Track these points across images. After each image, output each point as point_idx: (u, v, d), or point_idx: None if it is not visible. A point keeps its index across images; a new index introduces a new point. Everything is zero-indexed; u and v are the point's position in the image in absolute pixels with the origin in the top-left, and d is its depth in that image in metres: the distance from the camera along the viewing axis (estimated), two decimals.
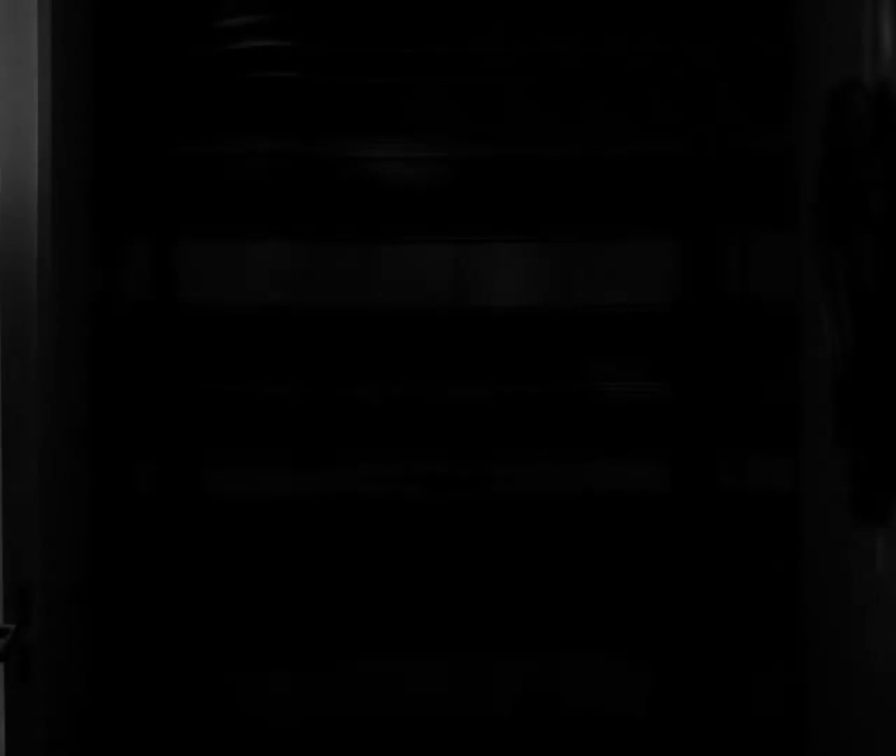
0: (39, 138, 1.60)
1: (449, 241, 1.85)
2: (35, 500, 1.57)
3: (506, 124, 1.84)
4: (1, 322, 1.58)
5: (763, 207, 1.79)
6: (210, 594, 1.83)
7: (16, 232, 1.58)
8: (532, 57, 1.83)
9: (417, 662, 1.85)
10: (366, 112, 1.84)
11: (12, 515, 1.55)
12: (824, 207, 1.54)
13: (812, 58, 1.72)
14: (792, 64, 1.79)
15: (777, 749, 1.79)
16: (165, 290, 1.82)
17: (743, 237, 1.81)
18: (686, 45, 1.81)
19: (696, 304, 1.83)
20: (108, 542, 1.80)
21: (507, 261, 1.86)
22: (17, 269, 1.58)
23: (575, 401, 1.85)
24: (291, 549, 1.82)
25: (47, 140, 1.62)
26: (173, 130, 1.82)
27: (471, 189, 1.84)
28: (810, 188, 1.58)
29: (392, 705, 1.85)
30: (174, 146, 1.82)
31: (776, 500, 1.78)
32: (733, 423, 1.81)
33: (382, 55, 1.83)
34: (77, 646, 1.77)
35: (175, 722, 1.82)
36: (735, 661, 1.81)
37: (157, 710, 1.81)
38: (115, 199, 1.81)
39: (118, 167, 1.80)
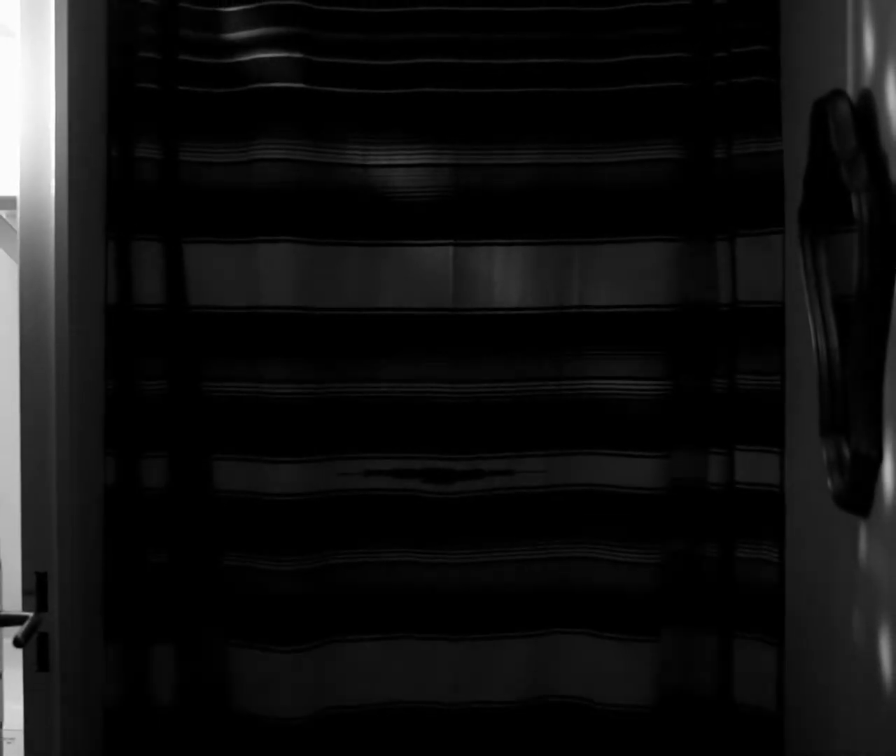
0: (56, 149, 1.61)
1: (450, 243, 1.85)
2: (51, 494, 1.58)
3: (505, 131, 1.84)
4: (21, 323, 1.59)
5: (753, 211, 1.79)
6: (217, 582, 1.84)
7: (34, 239, 1.59)
8: (528, 67, 1.83)
9: (416, 650, 1.85)
10: (372, 120, 1.84)
11: (30, 509, 1.56)
12: (810, 212, 1.54)
13: (799, 69, 1.72)
14: (780, 74, 1.79)
15: (765, 730, 1.79)
16: (175, 292, 1.83)
17: (733, 239, 1.81)
18: (680, 56, 1.81)
19: (689, 305, 1.83)
20: (120, 535, 1.80)
21: (506, 263, 1.85)
22: (36, 273, 1.59)
23: (571, 398, 1.85)
24: (294, 539, 1.82)
25: (63, 151, 1.63)
26: (184, 138, 1.82)
27: (471, 193, 1.84)
28: (797, 193, 1.58)
29: (391, 691, 1.85)
30: (185, 153, 1.82)
31: (764, 492, 1.78)
32: (724, 418, 1.81)
33: (385, 66, 1.83)
34: (91, 632, 1.78)
35: (184, 704, 1.83)
36: (724, 647, 1.82)
37: (168, 693, 1.81)
38: (127, 206, 1.81)
39: (130, 174, 1.80)
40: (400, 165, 1.84)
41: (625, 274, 1.83)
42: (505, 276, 1.85)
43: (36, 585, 1.51)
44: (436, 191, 1.84)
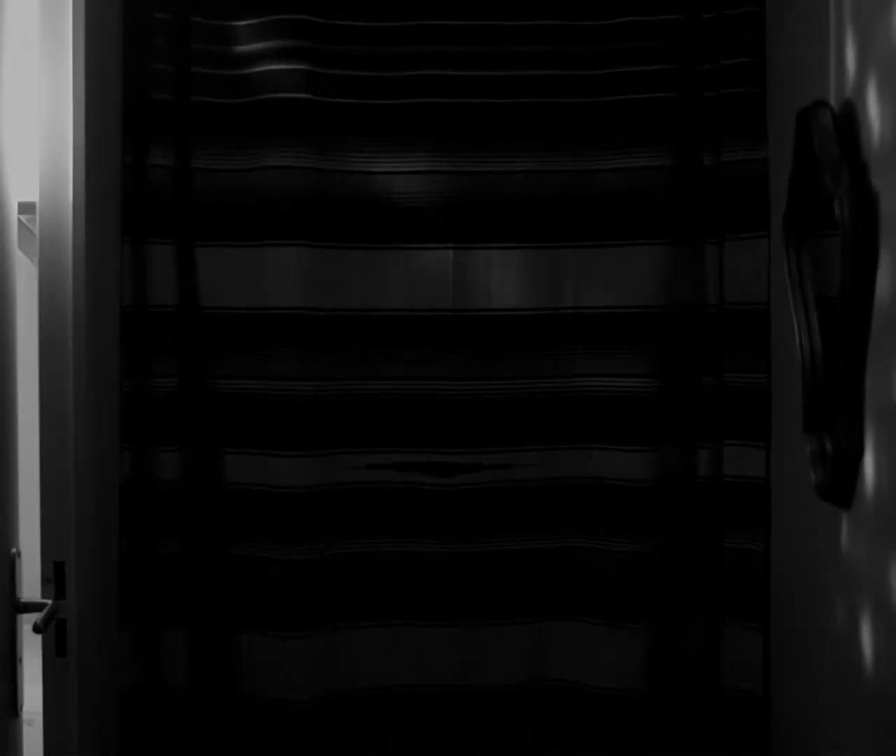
0: (73, 157, 1.61)
1: (450, 247, 1.85)
2: (69, 486, 1.58)
3: (502, 139, 1.84)
4: (40, 324, 1.59)
5: (739, 216, 1.80)
6: (228, 570, 1.84)
7: (53, 243, 1.59)
8: (524, 79, 1.83)
9: (418, 635, 1.85)
10: (375, 129, 1.84)
11: (48, 499, 1.56)
12: (794, 217, 1.54)
13: (784, 79, 1.73)
14: (766, 85, 1.79)
15: (752, 714, 1.79)
16: (188, 293, 1.83)
17: (721, 243, 1.81)
18: (669, 68, 1.81)
19: (678, 306, 1.83)
20: (135, 526, 1.81)
21: (503, 266, 1.86)
22: (55, 275, 1.59)
23: (566, 395, 1.85)
24: (301, 529, 1.82)
25: (81, 158, 1.63)
26: (196, 146, 1.82)
27: (470, 199, 1.84)
28: (782, 199, 1.58)
29: (394, 675, 1.85)
30: (196, 161, 1.82)
31: (750, 485, 1.78)
32: (712, 414, 1.82)
33: (387, 77, 1.84)
34: (107, 618, 1.78)
35: (196, 688, 1.83)
36: (712, 633, 1.82)
37: (180, 677, 1.81)
38: (142, 211, 1.81)
39: (145, 181, 1.80)
40: (402, 172, 1.84)
41: (617, 276, 1.83)
42: (502, 278, 1.85)
43: (54, 574, 1.51)
44: (436, 197, 1.84)
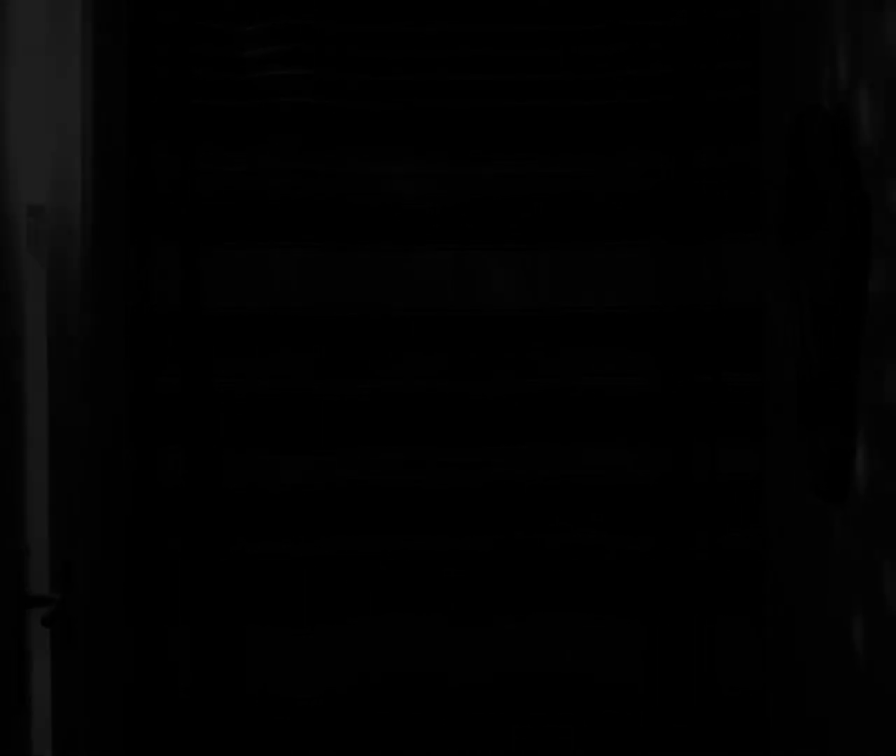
0: (81, 159, 1.61)
1: (451, 248, 1.86)
2: (77, 484, 1.58)
3: (503, 143, 1.85)
4: (48, 325, 1.59)
5: (734, 218, 1.80)
6: (232, 567, 1.84)
7: (61, 245, 1.59)
8: (522, 82, 1.84)
9: (419, 632, 1.85)
10: (376, 133, 1.85)
11: (58, 498, 1.57)
12: (789, 218, 1.55)
13: (778, 83, 1.73)
14: (760, 89, 1.80)
15: (750, 708, 1.79)
16: (193, 294, 1.83)
17: (717, 244, 1.81)
18: (666, 71, 1.82)
19: (674, 306, 1.83)
20: (140, 523, 1.81)
21: (504, 267, 1.86)
22: (62, 277, 1.59)
23: (564, 394, 1.86)
24: (304, 526, 1.83)
25: (88, 163, 1.63)
26: (201, 149, 1.83)
27: (471, 201, 1.85)
28: (776, 201, 1.59)
29: (395, 669, 1.85)
30: (201, 163, 1.83)
31: (746, 482, 1.78)
32: (707, 413, 1.82)
33: (391, 82, 1.84)
34: (114, 613, 1.78)
35: (200, 682, 1.83)
36: (708, 629, 1.82)
37: (185, 672, 1.82)
38: (147, 213, 1.81)
39: (150, 184, 1.81)
40: (403, 175, 1.85)
41: (615, 276, 1.84)
42: (502, 278, 1.86)
43: (63, 569, 1.52)
44: (437, 199, 1.85)
